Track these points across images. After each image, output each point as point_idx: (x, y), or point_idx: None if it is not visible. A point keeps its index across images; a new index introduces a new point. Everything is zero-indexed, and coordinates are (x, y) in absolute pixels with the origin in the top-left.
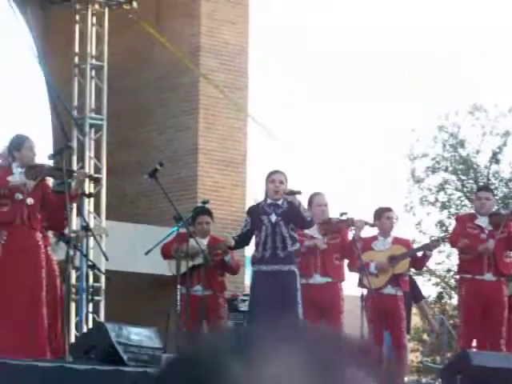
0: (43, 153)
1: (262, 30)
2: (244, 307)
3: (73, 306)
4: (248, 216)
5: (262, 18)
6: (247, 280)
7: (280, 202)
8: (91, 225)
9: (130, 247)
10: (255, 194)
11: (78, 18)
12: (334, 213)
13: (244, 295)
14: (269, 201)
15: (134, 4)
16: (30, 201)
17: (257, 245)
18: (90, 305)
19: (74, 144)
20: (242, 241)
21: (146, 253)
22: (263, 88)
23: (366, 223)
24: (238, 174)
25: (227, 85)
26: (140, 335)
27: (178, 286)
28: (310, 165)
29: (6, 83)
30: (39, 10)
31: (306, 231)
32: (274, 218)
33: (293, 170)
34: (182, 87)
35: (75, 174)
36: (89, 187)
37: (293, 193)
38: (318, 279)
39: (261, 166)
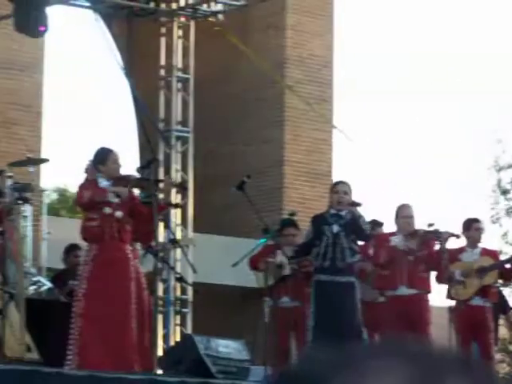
0: (130, 166)
1: (346, 41)
2: None
3: (160, 318)
4: (311, 225)
5: (347, 29)
6: None
7: (343, 213)
8: (178, 237)
9: (216, 259)
10: None
11: (163, 30)
12: (420, 224)
13: None
14: (332, 211)
15: (220, 16)
16: (119, 214)
17: (317, 254)
18: (178, 317)
19: (161, 157)
20: (303, 250)
21: (234, 265)
22: (348, 99)
23: (452, 234)
24: (323, 185)
25: (312, 96)
26: (228, 347)
27: (266, 298)
28: (396, 176)
29: (91, 97)
30: (124, 24)
31: (393, 244)
32: (335, 228)
33: (378, 181)
34: (268, 99)
35: (161, 186)
36: (175, 198)
37: (354, 204)
38: (404, 291)
39: (346, 177)
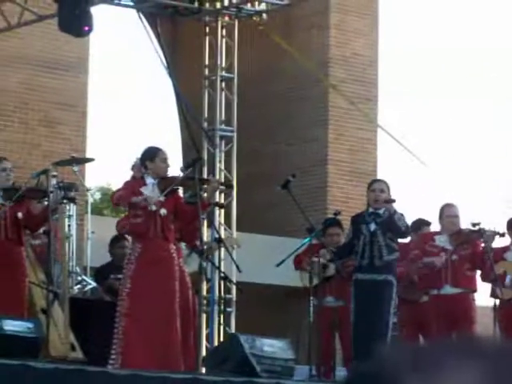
0: (173, 165)
1: (391, 40)
2: None
3: (203, 317)
4: (351, 225)
5: (392, 28)
6: None
7: (381, 212)
8: (222, 236)
9: (260, 258)
10: None
11: (207, 30)
12: (465, 223)
13: None
14: (370, 210)
15: (264, 16)
16: (163, 212)
17: (356, 253)
18: (221, 316)
19: (204, 156)
20: (344, 251)
21: (278, 264)
22: (392, 98)
23: (497, 233)
24: (367, 184)
25: (356, 96)
26: (273, 346)
27: (311, 298)
28: (441, 175)
29: (135, 96)
30: (168, 23)
31: (438, 243)
32: (372, 226)
33: (424, 181)
34: (312, 98)
35: (205, 186)
36: (220, 198)
37: (388, 201)
38: (448, 290)
39: (391, 176)
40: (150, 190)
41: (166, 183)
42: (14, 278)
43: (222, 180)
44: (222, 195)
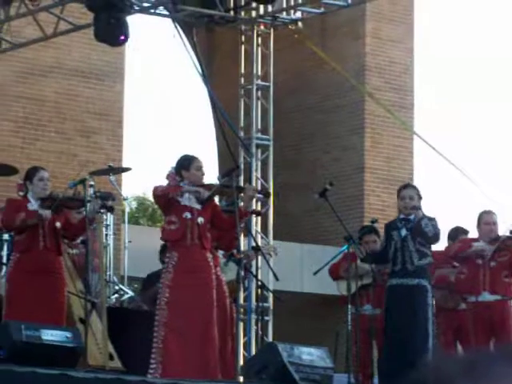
0: (209, 174)
1: (425, 47)
2: None
3: (241, 326)
4: (384, 232)
5: (427, 35)
6: None
7: (412, 217)
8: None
9: (296, 267)
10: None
11: (243, 38)
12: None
13: None
14: (401, 216)
15: (299, 24)
16: (200, 220)
17: (389, 260)
18: (259, 325)
19: (241, 165)
20: (380, 257)
21: (315, 273)
22: (428, 106)
23: None
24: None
25: (392, 103)
26: (311, 355)
27: (348, 306)
28: (480, 181)
29: (170, 105)
30: (204, 32)
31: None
32: (403, 232)
33: (462, 187)
34: (347, 106)
35: (242, 195)
36: (256, 206)
37: (415, 208)
38: (486, 297)
39: (427, 184)
40: (187, 198)
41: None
42: (53, 287)
43: (259, 188)
44: (259, 203)
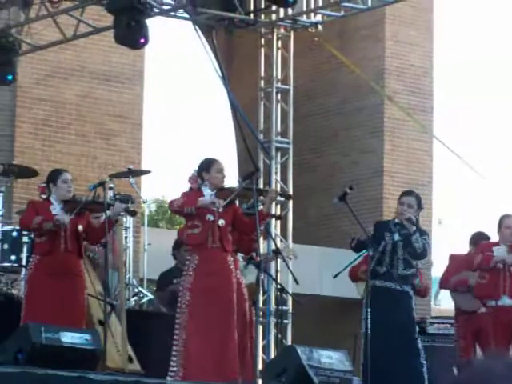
0: (229, 177)
1: (442, 51)
2: (432, 330)
3: (260, 329)
4: (374, 230)
5: (445, 39)
6: (433, 302)
7: (407, 224)
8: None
9: (315, 270)
10: (441, 215)
11: (263, 41)
12: None
13: (432, 318)
14: (396, 220)
15: (319, 27)
16: (221, 222)
17: (372, 258)
18: (278, 328)
19: (261, 168)
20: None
21: (335, 276)
22: (448, 109)
23: None
24: (423, 195)
25: (412, 107)
26: (331, 358)
27: (368, 309)
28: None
29: (189, 108)
30: (224, 35)
31: (496, 254)
32: (396, 237)
33: (481, 192)
34: (366, 110)
35: (262, 198)
36: (276, 209)
37: (410, 221)
38: (506, 301)
39: (446, 187)
40: (208, 199)
41: (224, 194)
42: (73, 290)
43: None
44: (279, 207)
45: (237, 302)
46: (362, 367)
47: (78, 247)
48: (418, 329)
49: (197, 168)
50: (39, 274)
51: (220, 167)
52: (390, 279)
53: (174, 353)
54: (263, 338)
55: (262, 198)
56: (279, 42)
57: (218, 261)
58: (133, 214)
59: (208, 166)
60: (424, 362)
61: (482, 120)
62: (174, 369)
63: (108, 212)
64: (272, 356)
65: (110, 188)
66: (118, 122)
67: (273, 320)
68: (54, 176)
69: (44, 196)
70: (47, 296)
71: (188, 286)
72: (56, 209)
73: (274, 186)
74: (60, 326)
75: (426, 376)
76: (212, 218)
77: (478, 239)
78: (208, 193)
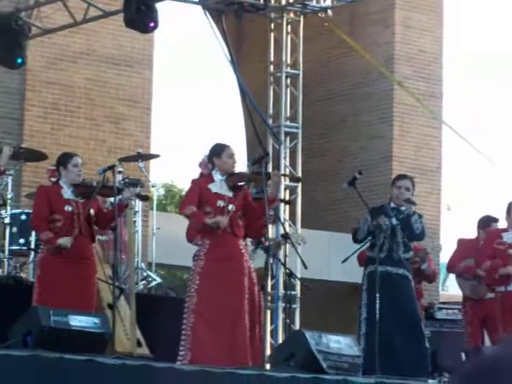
0: (238, 162)
1: (451, 36)
2: (440, 315)
3: (268, 313)
4: (369, 216)
5: (456, 25)
6: (441, 288)
7: (403, 208)
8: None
9: (324, 255)
10: (449, 201)
11: (272, 26)
12: None
13: (440, 303)
14: (392, 205)
15: (329, 12)
16: (231, 207)
17: (372, 245)
18: (286, 312)
19: (270, 152)
20: (360, 238)
21: (343, 261)
22: (458, 95)
23: None
24: (432, 181)
25: (421, 92)
26: (339, 343)
27: (377, 294)
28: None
29: (199, 92)
30: (233, 19)
31: (505, 240)
32: (394, 221)
33: (490, 177)
34: (376, 95)
35: (269, 182)
36: (285, 194)
37: (409, 202)
38: None
39: (455, 173)
40: (218, 186)
41: (234, 179)
42: (85, 274)
43: (287, 177)
44: (288, 191)
45: (247, 286)
46: (362, 352)
47: (90, 231)
48: (423, 313)
49: (207, 153)
50: (52, 258)
51: (231, 152)
52: (390, 264)
53: (182, 337)
54: (271, 323)
55: (269, 182)
56: (289, 27)
57: (230, 246)
58: (145, 198)
59: (219, 152)
60: (427, 346)
61: (492, 106)
62: (182, 353)
63: (119, 196)
64: (280, 341)
65: (120, 172)
66: (127, 106)
67: (281, 305)
68: (65, 160)
69: (53, 179)
70: (59, 280)
71: (198, 270)
72: (67, 193)
73: (282, 171)
74: (71, 309)
75: (428, 360)
76: (223, 204)
77: (487, 222)
78: (219, 178)
